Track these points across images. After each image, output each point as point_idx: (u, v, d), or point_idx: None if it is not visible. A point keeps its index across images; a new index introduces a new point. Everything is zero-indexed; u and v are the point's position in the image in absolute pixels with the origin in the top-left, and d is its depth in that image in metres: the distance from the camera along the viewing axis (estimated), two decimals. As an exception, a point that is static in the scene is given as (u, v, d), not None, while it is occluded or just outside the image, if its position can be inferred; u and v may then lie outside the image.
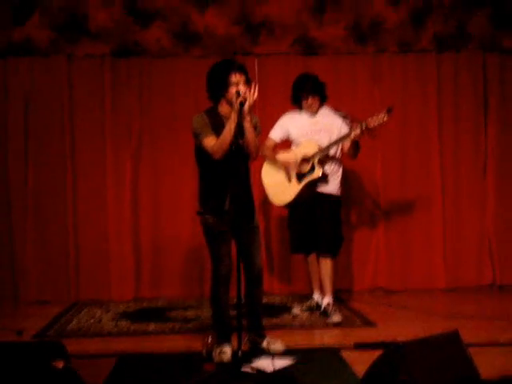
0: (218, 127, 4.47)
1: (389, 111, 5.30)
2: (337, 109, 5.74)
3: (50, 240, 6.83)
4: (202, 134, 4.48)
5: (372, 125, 5.30)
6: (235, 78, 4.43)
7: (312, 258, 5.84)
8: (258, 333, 4.71)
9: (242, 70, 4.49)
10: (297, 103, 5.71)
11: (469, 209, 7.10)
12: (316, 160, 5.54)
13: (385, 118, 5.30)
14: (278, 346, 4.64)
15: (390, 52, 6.98)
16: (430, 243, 7.05)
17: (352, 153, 5.58)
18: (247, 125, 4.38)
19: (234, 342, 4.30)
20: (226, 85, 4.44)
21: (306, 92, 5.59)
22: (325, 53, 6.95)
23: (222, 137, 4.40)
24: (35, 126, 6.79)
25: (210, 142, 4.45)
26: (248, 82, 4.45)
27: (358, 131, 5.32)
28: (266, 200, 6.01)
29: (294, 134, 5.72)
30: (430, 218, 7.03)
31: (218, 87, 4.50)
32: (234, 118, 4.35)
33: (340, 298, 6.32)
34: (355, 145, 5.51)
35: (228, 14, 6.80)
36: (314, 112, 5.67)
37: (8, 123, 6.77)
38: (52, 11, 6.68)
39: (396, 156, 7.03)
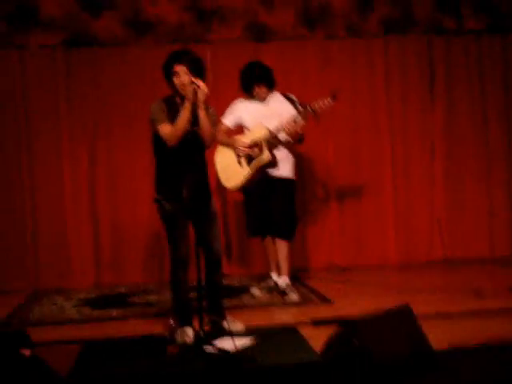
0: (174, 115, 4.55)
1: (333, 97, 5.49)
2: (286, 94, 5.86)
3: (7, 230, 6.84)
4: (158, 121, 4.56)
5: (316, 107, 5.48)
6: (176, 68, 4.53)
7: (268, 240, 5.96)
8: (219, 314, 4.80)
9: (184, 60, 4.56)
10: (246, 91, 5.82)
11: (419, 187, 7.33)
12: (265, 143, 5.68)
13: (330, 103, 5.48)
14: (238, 325, 4.75)
15: (339, 37, 7.13)
16: (382, 222, 7.27)
17: (295, 138, 5.72)
18: (201, 113, 4.48)
19: (196, 323, 4.42)
20: (170, 75, 4.57)
21: (253, 81, 5.71)
22: (275, 39, 7.05)
23: (176, 124, 4.49)
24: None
25: (165, 128, 4.54)
26: (195, 72, 4.53)
27: (303, 115, 5.51)
28: (221, 185, 6.12)
29: (246, 120, 5.83)
30: (381, 198, 7.25)
31: (166, 76, 4.63)
32: (187, 105, 4.46)
33: (297, 277, 6.45)
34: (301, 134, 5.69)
35: (179, 1, 6.87)
36: (263, 99, 5.80)
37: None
38: (1, 2, 6.65)
39: (347, 139, 7.21)
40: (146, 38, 6.89)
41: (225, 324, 4.73)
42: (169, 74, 4.59)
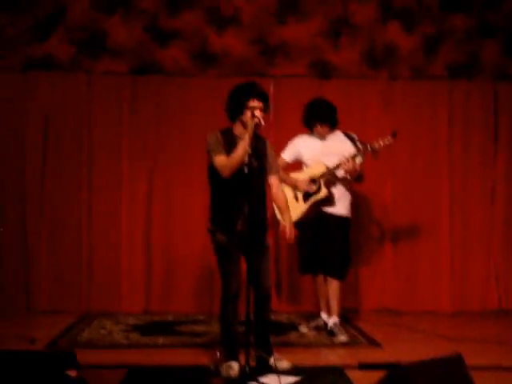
0: (230, 147, 4.56)
1: (394, 135, 5.54)
2: (347, 132, 5.86)
3: (63, 251, 6.95)
4: (214, 152, 4.58)
5: (376, 146, 5.48)
6: (253, 102, 4.53)
7: (320, 278, 5.91)
8: (266, 350, 4.74)
9: (263, 96, 4.59)
10: (308, 127, 5.84)
11: (476, 234, 7.18)
12: (323, 180, 5.66)
13: (389, 141, 5.50)
14: (284, 363, 4.69)
15: (403, 78, 7.11)
16: (437, 266, 7.12)
17: (357, 177, 5.71)
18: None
19: (242, 358, 4.38)
20: (243, 107, 4.55)
21: (316, 119, 5.72)
22: (339, 76, 7.07)
23: (232, 155, 4.51)
24: (54, 140, 6.94)
25: (220, 160, 4.56)
26: (265, 111, 4.57)
27: (362, 152, 5.53)
28: (275, 219, 6.10)
29: (305, 156, 5.84)
30: (437, 243, 7.12)
31: (235, 108, 4.61)
32: (246, 138, 4.47)
33: (346, 318, 6.37)
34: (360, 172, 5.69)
35: (245, 35, 6.95)
36: (324, 137, 5.79)
37: (26, 136, 6.91)
38: (73, 28, 6.85)
39: (406, 181, 7.13)
40: (211, 70, 6.98)
41: (271, 361, 4.68)
42: (240, 105, 4.56)
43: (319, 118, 5.72)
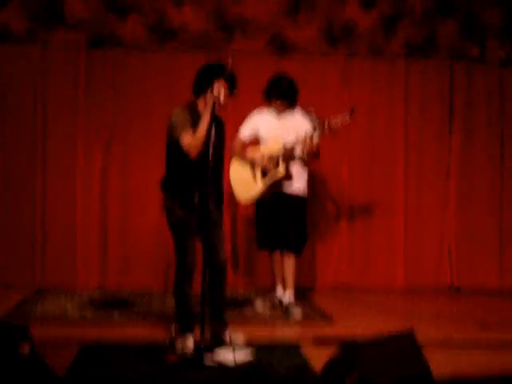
0: (195, 123, 4.55)
1: (351, 112, 5.50)
2: (306, 109, 5.85)
3: (17, 225, 6.85)
4: (181, 130, 4.54)
5: (333, 123, 5.47)
6: (219, 84, 4.51)
7: (276, 254, 5.95)
8: (220, 324, 4.77)
9: (231, 80, 4.60)
10: (267, 100, 5.81)
11: (430, 212, 7.28)
12: (281, 158, 5.65)
13: (347, 118, 5.48)
14: (239, 337, 4.72)
15: (361, 56, 7.12)
16: (391, 243, 7.21)
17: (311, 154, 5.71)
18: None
19: (197, 333, 4.39)
20: (209, 86, 4.55)
21: (276, 95, 5.71)
22: (297, 53, 7.04)
23: (196, 136, 4.49)
24: (7, 112, 6.79)
25: (187, 139, 4.53)
26: (231, 93, 4.58)
27: (319, 130, 5.51)
28: (233, 196, 6.10)
29: (263, 133, 5.82)
30: (392, 220, 7.19)
31: (202, 84, 4.61)
32: (207, 117, 4.46)
33: (302, 294, 6.40)
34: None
35: (204, 10, 6.87)
36: (281, 112, 5.78)
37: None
38: (27, 1, 6.69)
39: (362, 159, 7.17)
40: (169, 45, 6.88)
41: (226, 335, 4.70)
42: (207, 83, 4.56)
43: (279, 94, 5.70)
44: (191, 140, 4.50)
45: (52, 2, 6.72)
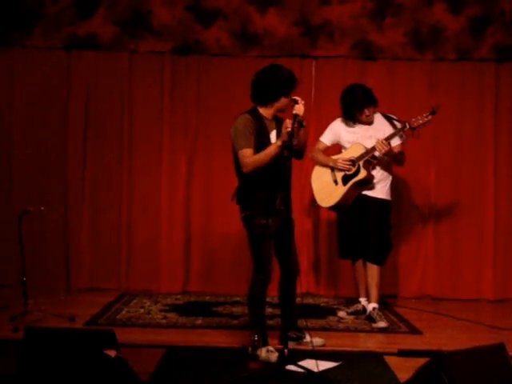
0: (260, 131, 4.53)
1: (433, 112, 5.40)
2: (387, 114, 5.75)
3: (103, 231, 7.00)
4: (241, 143, 4.50)
5: (415, 124, 5.37)
6: (294, 99, 4.45)
7: (359, 263, 5.85)
8: (296, 329, 4.81)
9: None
10: (350, 118, 5.69)
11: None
12: (362, 162, 5.56)
13: (429, 118, 5.37)
14: (318, 340, 4.73)
15: (448, 60, 6.94)
16: (479, 253, 6.97)
17: (395, 159, 5.61)
18: (301, 132, 4.47)
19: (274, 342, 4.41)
20: (282, 95, 4.53)
21: (362, 106, 5.57)
22: (382, 58, 6.93)
23: (260, 157, 4.44)
24: (95, 119, 6.96)
25: (246, 154, 4.47)
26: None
27: (401, 133, 5.45)
28: (314, 202, 6.04)
29: (344, 139, 5.74)
30: (481, 228, 6.96)
31: (273, 93, 4.57)
32: (279, 144, 4.37)
33: (386, 304, 6.31)
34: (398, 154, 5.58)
35: (287, 15, 6.86)
36: (371, 122, 5.69)
37: (69, 114, 6.93)
38: (116, 7, 6.83)
39: (449, 164, 6.98)
40: (252, 50, 6.88)
41: (306, 339, 4.72)
42: (279, 93, 4.53)
43: (363, 103, 5.57)
44: (249, 161, 4.45)
45: (139, 11, 6.84)
